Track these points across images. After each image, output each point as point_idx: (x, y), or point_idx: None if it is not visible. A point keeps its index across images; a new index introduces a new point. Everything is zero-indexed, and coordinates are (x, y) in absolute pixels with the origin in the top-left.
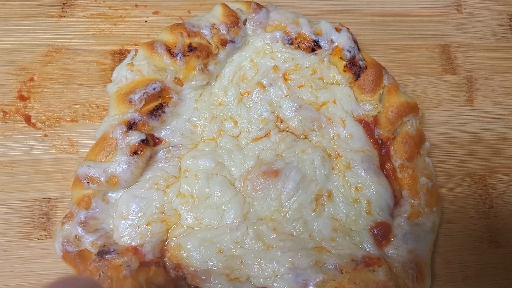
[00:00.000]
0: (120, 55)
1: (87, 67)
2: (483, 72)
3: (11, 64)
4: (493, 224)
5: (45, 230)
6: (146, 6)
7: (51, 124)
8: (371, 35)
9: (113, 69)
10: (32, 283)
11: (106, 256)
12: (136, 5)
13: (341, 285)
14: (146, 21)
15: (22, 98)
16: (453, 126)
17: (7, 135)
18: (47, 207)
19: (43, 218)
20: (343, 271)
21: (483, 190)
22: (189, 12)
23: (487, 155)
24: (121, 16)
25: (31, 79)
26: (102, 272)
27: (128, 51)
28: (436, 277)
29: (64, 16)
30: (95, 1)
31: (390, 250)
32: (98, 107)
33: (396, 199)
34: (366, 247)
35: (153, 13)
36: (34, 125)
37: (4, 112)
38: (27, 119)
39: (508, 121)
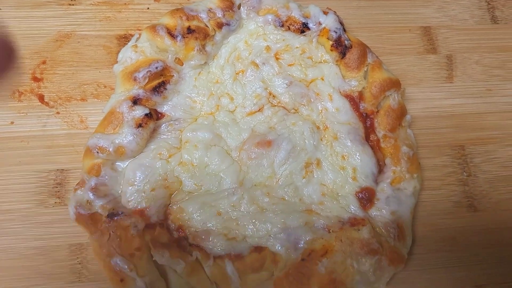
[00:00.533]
0: (124, 39)
1: (94, 51)
2: (462, 52)
3: (25, 48)
4: (471, 191)
5: (59, 198)
6: None
7: (63, 103)
8: (358, 18)
9: (119, 52)
10: (48, 245)
11: (115, 218)
12: None
13: (329, 243)
14: (148, 8)
15: (35, 79)
16: (434, 101)
17: (23, 113)
18: (60, 177)
19: (57, 187)
20: (331, 231)
21: (462, 159)
22: None
23: (465, 127)
24: (125, 3)
25: (44, 62)
26: (112, 231)
27: (132, 36)
28: (418, 239)
29: (72, 5)
30: None
31: (373, 212)
32: (105, 86)
33: (380, 168)
34: (352, 209)
35: (154, 0)
36: (47, 104)
37: (20, 92)
38: (41, 98)
39: (486, 96)
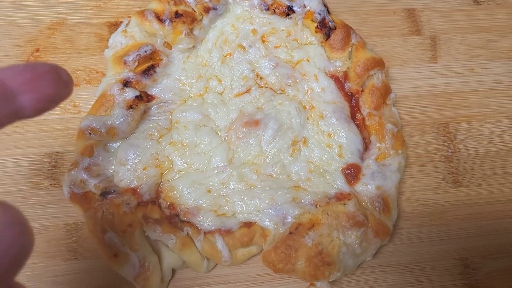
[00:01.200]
0: (115, 26)
1: (86, 38)
2: (446, 33)
3: (19, 37)
4: (456, 167)
5: (54, 180)
6: None
7: None
8: (342, 2)
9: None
10: (43, 225)
11: (108, 196)
12: None
13: (315, 217)
14: None
15: None
16: (418, 81)
17: None
18: (55, 160)
19: (52, 169)
20: (317, 205)
21: (446, 137)
22: None
23: (449, 106)
24: None
25: (37, 50)
26: (105, 209)
27: (122, 22)
28: (404, 213)
29: None
30: None
31: (359, 187)
32: (97, 72)
33: (366, 145)
34: (338, 185)
35: None
36: None
37: None
38: None
39: (469, 75)
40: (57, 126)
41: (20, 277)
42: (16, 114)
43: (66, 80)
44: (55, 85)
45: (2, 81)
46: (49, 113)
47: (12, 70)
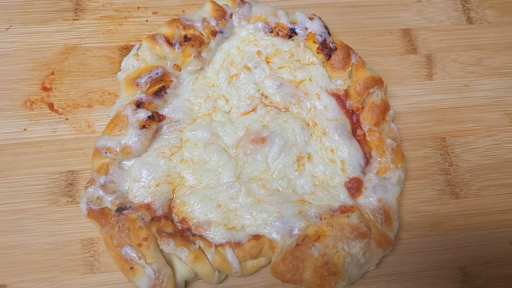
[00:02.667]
0: (126, 49)
1: (98, 61)
2: (440, 51)
3: (34, 61)
4: (453, 179)
5: (70, 197)
6: (146, 7)
7: (71, 110)
8: (342, 23)
9: (121, 61)
10: (60, 240)
11: (124, 212)
12: (138, 7)
13: (321, 229)
14: (147, 21)
15: (45, 89)
16: (415, 98)
17: (34, 120)
18: (71, 178)
19: (68, 187)
20: (322, 218)
21: (443, 150)
22: (183, 11)
23: (446, 121)
24: (125, 17)
25: (52, 73)
26: (121, 224)
27: (133, 46)
28: (405, 225)
29: (77, 19)
30: (103, 5)
31: (361, 200)
32: (109, 93)
33: (367, 159)
34: (342, 198)
35: (152, 13)
36: (56, 111)
37: (31, 101)
38: (51, 106)
39: (464, 91)
40: (72, 146)
41: None
42: None
43: None
44: None
45: None
46: (65, 133)
47: None
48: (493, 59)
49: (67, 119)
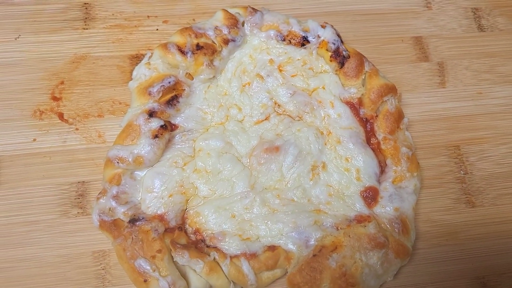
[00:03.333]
0: (136, 58)
1: (108, 70)
2: (452, 59)
3: (44, 70)
4: (468, 188)
5: (81, 208)
6: (156, 16)
7: (81, 120)
8: (354, 31)
9: (131, 71)
10: (71, 253)
11: (137, 223)
12: (148, 16)
13: (338, 239)
14: (157, 29)
15: (55, 98)
16: (428, 106)
17: (44, 130)
18: (82, 189)
19: (79, 198)
20: (339, 228)
21: (458, 159)
22: (193, 20)
23: (460, 129)
24: (135, 26)
25: (62, 83)
26: (134, 235)
27: (143, 55)
28: (421, 234)
29: (86, 29)
30: (113, 14)
31: (378, 209)
32: (120, 103)
33: (382, 168)
34: (358, 208)
35: (163, 22)
36: (66, 121)
37: (40, 111)
38: (61, 116)
39: (477, 99)
40: (83, 156)
41: None
42: None
43: None
44: None
45: None
46: (75, 143)
47: None
48: (505, 67)
49: (77, 129)
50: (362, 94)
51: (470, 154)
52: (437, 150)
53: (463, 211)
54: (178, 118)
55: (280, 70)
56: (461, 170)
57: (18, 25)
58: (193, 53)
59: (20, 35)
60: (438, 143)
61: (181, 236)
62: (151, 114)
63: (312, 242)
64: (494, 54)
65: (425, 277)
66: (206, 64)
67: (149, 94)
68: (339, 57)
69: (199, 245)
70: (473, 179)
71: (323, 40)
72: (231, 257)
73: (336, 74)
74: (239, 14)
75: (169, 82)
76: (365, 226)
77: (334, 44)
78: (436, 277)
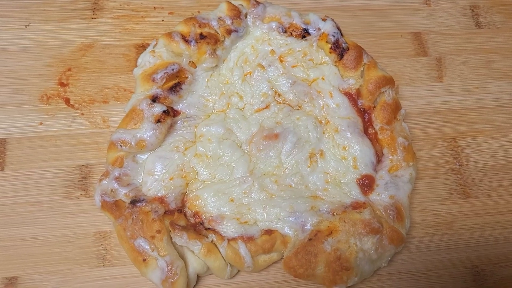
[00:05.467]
0: (142, 48)
1: (115, 59)
2: (450, 54)
3: (52, 57)
4: (464, 179)
5: (84, 190)
6: (162, 8)
7: (87, 105)
8: (353, 26)
9: (137, 59)
10: (74, 233)
11: (138, 204)
12: (154, 7)
13: (333, 224)
14: (163, 20)
15: (62, 84)
16: (426, 99)
17: (51, 115)
18: (85, 171)
19: (82, 181)
20: (335, 214)
21: (454, 151)
22: (198, 11)
23: (456, 122)
24: (142, 16)
25: (69, 69)
26: (135, 216)
27: (149, 44)
28: (416, 223)
29: (94, 18)
30: (120, 5)
31: (373, 197)
32: (125, 90)
33: (378, 158)
34: (354, 195)
35: (168, 13)
36: (72, 106)
37: (48, 96)
38: (67, 101)
39: (473, 93)
40: (87, 140)
41: (51, 283)
42: None
43: None
44: None
45: None
46: (80, 127)
47: None
48: (502, 63)
49: (82, 114)
50: (361, 85)
51: (466, 147)
52: (434, 142)
53: (458, 202)
54: (180, 105)
55: (281, 61)
56: (456, 161)
57: (28, 13)
58: (197, 42)
59: (30, 23)
60: (435, 135)
61: (180, 218)
62: (154, 99)
63: (308, 226)
64: (491, 51)
65: (420, 265)
66: (209, 53)
67: (153, 80)
68: (339, 49)
69: (197, 228)
70: (468, 171)
71: (323, 32)
72: (228, 240)
73: (335, 65)
74: (242, 6)
75: (173, 69)
76: (361, 212)
77: (334, 36)
78: (430, 265)
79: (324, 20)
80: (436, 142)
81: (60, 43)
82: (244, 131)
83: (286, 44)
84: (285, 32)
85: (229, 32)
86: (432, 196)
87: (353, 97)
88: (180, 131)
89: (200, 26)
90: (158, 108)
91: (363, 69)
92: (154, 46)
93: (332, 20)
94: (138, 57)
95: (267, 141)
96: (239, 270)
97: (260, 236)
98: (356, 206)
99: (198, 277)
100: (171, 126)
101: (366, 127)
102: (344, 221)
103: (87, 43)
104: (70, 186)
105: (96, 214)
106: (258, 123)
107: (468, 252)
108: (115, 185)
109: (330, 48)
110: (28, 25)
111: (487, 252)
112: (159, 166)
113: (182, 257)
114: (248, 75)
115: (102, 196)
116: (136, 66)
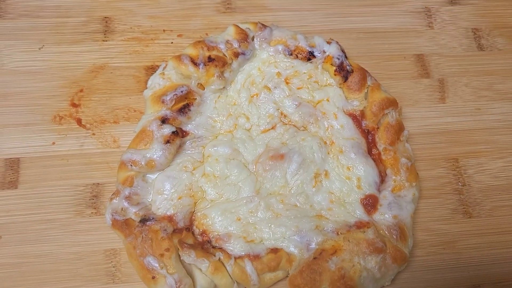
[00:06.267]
0: (151, 69)
1: (125, 80)
2: (452, 76)
3: (65, 79)
4: (466, 199)
5: (95, 208)
6: (172, 30)
7: (98, 125)
8: (358, 48)
9: (146, 80)
10: (84, 251)
11: (147, 223)
12: (163, 30)
13: (337, 243)
14: (172, 43)
15: (74, 105)
16: (428, 120)
17: (63, 135)
18: (96, 190)
19: (93, 199)
20: (339, 233)
21: (456, 171)
22: (206, 34)
23: (458, 142)
24: (151, 39)
25: (81, 90)
26: (144, 234)
27: (158, 66)
28: (419, 242)
29: (106, 40)
30: (131, 28)
31: (377, 216)
32: (135, 111)
33: (382, 178)
34: (358, 214)
35: (177, 36)
36: (84, 126)
37: (60, 116)
38: (79, 121)
39: (475, 114)
40: (98, 159)
41: None
42: None
43: None
44: None
45: None
46: (91, 147)
47: None
48: (503, 84)
49: (94, 134)
50: (364, 107)
51: (468, 167)
52: (437, 162)
53: (461, 221)
54: (189, 125)
55: (287, 83)
56: (459, 182)
57: (42, 36)
58: (205, 65)
59: (43, 45)
60: (438, 155)
61: (189, 237)
62: (164, 120)
63: (313, 245)
64: (493, 72)
65: (422, 284)
66: (217, 75)
67: (163, 102)
68: (343, 72)
69: (205, 246)
70: (470, 191)
71: (328, 55)
72: (235, 258)
73: (340, 87)
74: (249, 29)
75: (182, 91)
76: (364, 232)
77: (339, 59)
78: (432, 284)
79: (329, 43)
80: (439, 162)
81: (72, 65)
82: (251, 151)
83: (292, 67)
84: (291, 54)
85: (236, 55)
86: (435, 215)
87: (357, 118)
88: (189, 151)
89: (208, 49)
90: (167, 129)
91: (367, 91)
92: (164, 68)
93: (337, 43)
94: (148, 78)
95: (273, 161)
96: (245, 287)
97: (266, 255)
98: (360, 225)
99: None
100: (180, 147)
101: (370, 147)
102: (348, 240)
103: (99, 65)
104: (81, 204)
105: (107, 232)
106: (264, 144)
107: (470, 271)
108: (126, 204)
109: (334, 71)
110: (42, 47)
111: (489, 271)
112: (168, 186)
113: (190, 274)
114: (255, 96)
115: (112, 215)
116: (146, 88)
